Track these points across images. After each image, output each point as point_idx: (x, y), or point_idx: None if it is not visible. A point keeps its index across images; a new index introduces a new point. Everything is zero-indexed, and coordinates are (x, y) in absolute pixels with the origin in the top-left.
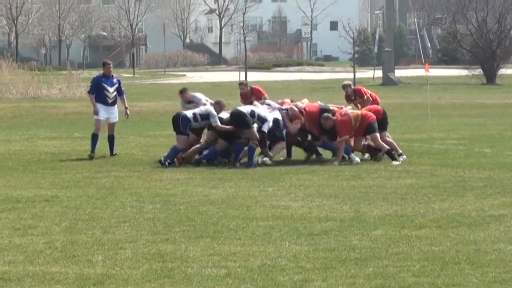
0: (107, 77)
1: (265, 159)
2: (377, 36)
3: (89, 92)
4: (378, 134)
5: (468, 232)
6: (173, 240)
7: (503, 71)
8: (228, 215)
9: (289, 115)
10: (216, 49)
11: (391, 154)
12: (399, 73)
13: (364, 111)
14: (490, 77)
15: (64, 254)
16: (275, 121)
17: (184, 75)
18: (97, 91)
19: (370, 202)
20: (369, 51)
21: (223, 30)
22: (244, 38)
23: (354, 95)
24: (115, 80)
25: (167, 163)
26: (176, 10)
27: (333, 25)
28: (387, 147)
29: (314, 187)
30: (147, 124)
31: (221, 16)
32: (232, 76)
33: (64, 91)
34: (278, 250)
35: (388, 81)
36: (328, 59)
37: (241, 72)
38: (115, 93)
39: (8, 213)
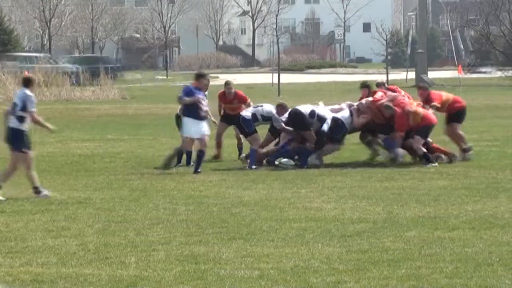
0: (200, 89)
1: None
2: (410, 38)
3: (181, 98)
4: (422, 140)
5: (501, 234)
6: (206, 242)
7: None
8: (261, 217)
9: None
10: (249, 51)
11: (428, 157)
12: (432, 74)
13: (428, 113)
14: None
15: (97, 256)
16: (335, 120)
17: (217, 77)
18: (188, 104)
19: (403, 203)
20: (402, 52)
21: (256, 32)
22: (277, 40)
23: None
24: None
25: (253, 167)
26: (209, 12)
27: (366, 27)
28: (423, 151)
29: (346, 188)
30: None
31: (254, 18)
32: (266, 78)
33: (97, 93)
34: (311, 251)
35: (421, 83)
36: (361, 61)
37: (274, 74)
38: (207, 107)
39: (41, 215)
